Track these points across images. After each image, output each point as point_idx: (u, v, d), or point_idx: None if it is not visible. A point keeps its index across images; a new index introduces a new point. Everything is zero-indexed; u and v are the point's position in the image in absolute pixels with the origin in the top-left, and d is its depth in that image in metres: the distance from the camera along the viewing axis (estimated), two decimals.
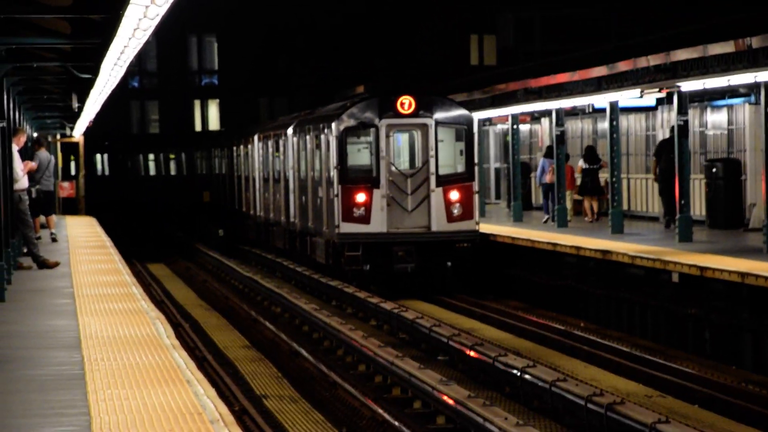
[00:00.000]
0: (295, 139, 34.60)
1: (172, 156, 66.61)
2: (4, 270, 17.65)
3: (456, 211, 28.73)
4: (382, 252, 28.53)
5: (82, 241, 29.92)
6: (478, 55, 67.93)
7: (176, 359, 11.99)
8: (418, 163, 29.00)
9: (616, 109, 28.77)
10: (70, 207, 44.81)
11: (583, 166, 32.39)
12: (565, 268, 26.65)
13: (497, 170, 45.56)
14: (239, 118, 67.15)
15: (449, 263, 28.64)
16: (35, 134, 38.84)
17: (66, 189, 45.37)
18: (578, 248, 25.47)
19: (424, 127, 28.91)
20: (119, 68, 18.09)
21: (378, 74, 63.69)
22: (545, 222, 33.03)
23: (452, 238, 28.59)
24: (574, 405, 15.00)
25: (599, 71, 29.08)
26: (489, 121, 43.26)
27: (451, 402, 15.20)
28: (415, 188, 28.81)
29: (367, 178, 28.76)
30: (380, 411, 16.27)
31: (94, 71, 19.20)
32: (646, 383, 17.89)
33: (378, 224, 28.58)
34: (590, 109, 36.86)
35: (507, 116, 36.26)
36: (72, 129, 43.39)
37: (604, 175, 33.19)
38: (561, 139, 31.98)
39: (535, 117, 40.83)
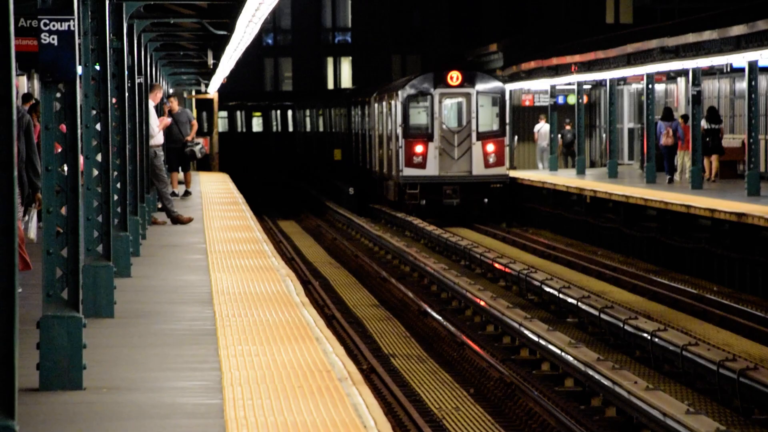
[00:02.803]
0: (375, 104, 42.93)
1: (305, 113, 66.98)
2: (139, 225, 17.93)
3: (491, 160, 37.66)
4: (435, 190, 37.64)
5: (215, 197, 30.30)
6: (614, 13, 66.97)
7: (306, 317, 12.08)
8: (463, 122, 37.94)
9: (755, 69, 28.12)
10: (204, 163, 45.39)
11: (705, 126, 31.93)
12: (699, 230, 26.24)
13: (630, 130, 44.95)
14: (372, 76, 67.23)
15: (486, 200, 37.42)
16: (170, 90, 39.34)
17: None
18: (713, 210, 25.04)
19: (468, 96, 37.89)
20: (254, 25, 18.16)
21: (510, 33, 63.21)
22: (669, 182, 33.05)
23: (488, 180, 37.57)
24: (705, 370, 14.79)
25: (738, 30, 28.42)
26: (623, 81, 42.63)
27: (579, 365, 15.10)
28: (461, 142, 37.84)
29: (424, 134, 37.96)
30: (508, 372, 16.22)
31: (230, 28, 19.31)
32: None
33: (432, 169, 37.70)
34: (728, 69, 36.09)
35: (642, 76, 35.72)
36: (207, 86, 43.86)
37: (740, 136, 32.52)
38: (697, 99, 31.39)
39: (670, 76, 40.12)
